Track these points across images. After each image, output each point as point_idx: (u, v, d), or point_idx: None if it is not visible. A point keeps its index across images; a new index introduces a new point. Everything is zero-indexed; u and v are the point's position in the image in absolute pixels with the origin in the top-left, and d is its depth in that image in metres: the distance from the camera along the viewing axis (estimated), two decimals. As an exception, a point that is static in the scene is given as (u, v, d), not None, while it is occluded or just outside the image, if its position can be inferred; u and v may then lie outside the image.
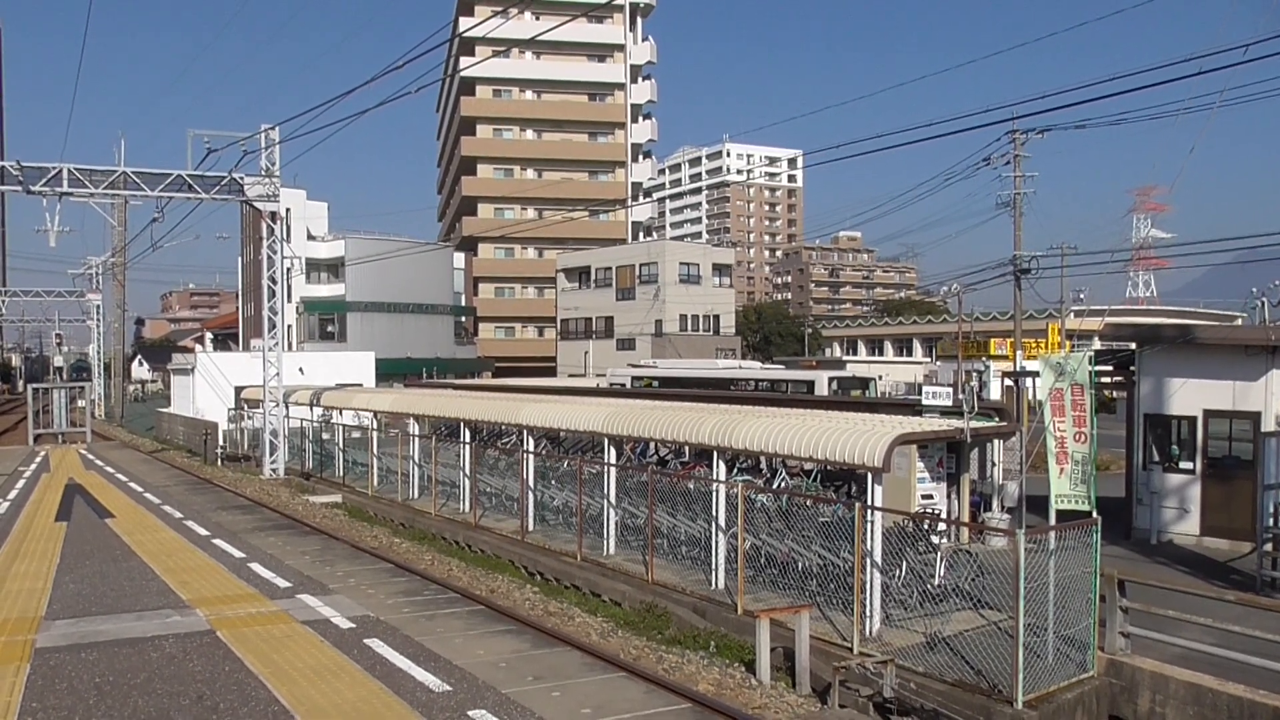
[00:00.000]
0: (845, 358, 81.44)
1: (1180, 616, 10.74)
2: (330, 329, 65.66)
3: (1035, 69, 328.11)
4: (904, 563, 12.46)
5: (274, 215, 31.04)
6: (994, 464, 17.16)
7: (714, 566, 14.34)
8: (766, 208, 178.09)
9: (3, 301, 70.86)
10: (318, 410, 30.98)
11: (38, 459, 36.27)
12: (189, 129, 30.46)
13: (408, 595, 14.38)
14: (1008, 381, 35.05)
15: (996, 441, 16.66)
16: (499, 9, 51.34)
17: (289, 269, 43.93)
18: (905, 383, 62.63)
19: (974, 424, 14.20)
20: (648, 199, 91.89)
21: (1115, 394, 26.92)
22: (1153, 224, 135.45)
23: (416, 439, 24.28)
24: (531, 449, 19.56)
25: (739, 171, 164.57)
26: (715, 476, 14.80)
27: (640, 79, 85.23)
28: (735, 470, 15.75)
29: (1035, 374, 30.85)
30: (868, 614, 11.82)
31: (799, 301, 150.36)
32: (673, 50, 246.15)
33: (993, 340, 53.03)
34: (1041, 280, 33.50)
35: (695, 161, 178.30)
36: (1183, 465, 17.25)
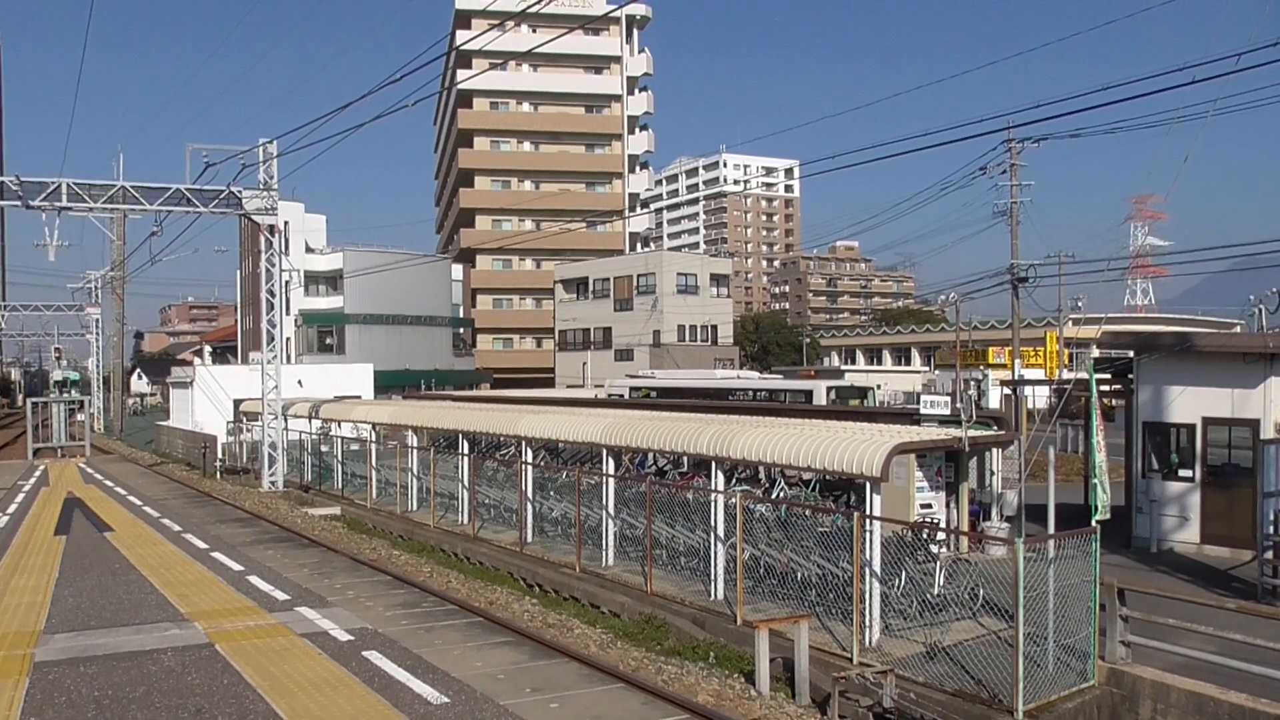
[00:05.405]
0: (843, 367, 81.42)
1: (1181, 625, 10.72)
2: (329, 341, 65.63)
3: (1031, 78, 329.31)
4: (903, 572, 12.44)
5: (272, 228, 31.07)
6: (993, 473, 17.14)
7: (713, 577, 14.32)
8: (763, 218, 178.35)
9: (2, 316, 70.79)
10: (316, 423, 30.98)
11: (37, 473, 36.20)
12: (187, 143, 30.60)
13: (406, 607, 14.35)
14: (1006, 390, 35.11)
15: (995, 450, 16.64)
16: (496, 22, 51.49)
17: (287, 282, 43.93)
18: (904, 392, 62.61)
19: (972, 433, 14.19)
20: (645, 210, 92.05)
21: (1114, 402, 26.95)
22: (1150, 232, 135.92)
23: (415, 451, 24.27)
24: (530, 460, 19.55)
25: (736, 182, 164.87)
26: (714, 487, 14.79)
27: (637, 90, 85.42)
28: (734, 480, 15.74)
29: (1034, 382, 30.87)
30: (867, 624, 11.80)
31: (797, 311, 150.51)
32: (669, 62, 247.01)
33: (991, 349, 53.15)
34: (1039, 289, 33.70)
35: (692, 172, 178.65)
36: (1182, 473, 17.25)
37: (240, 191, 29.76)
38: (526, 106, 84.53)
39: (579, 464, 19.32)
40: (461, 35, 70.44)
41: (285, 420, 31.37)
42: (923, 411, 16.66)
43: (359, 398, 40.38)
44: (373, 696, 10.15)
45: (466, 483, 21.35)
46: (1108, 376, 19.67)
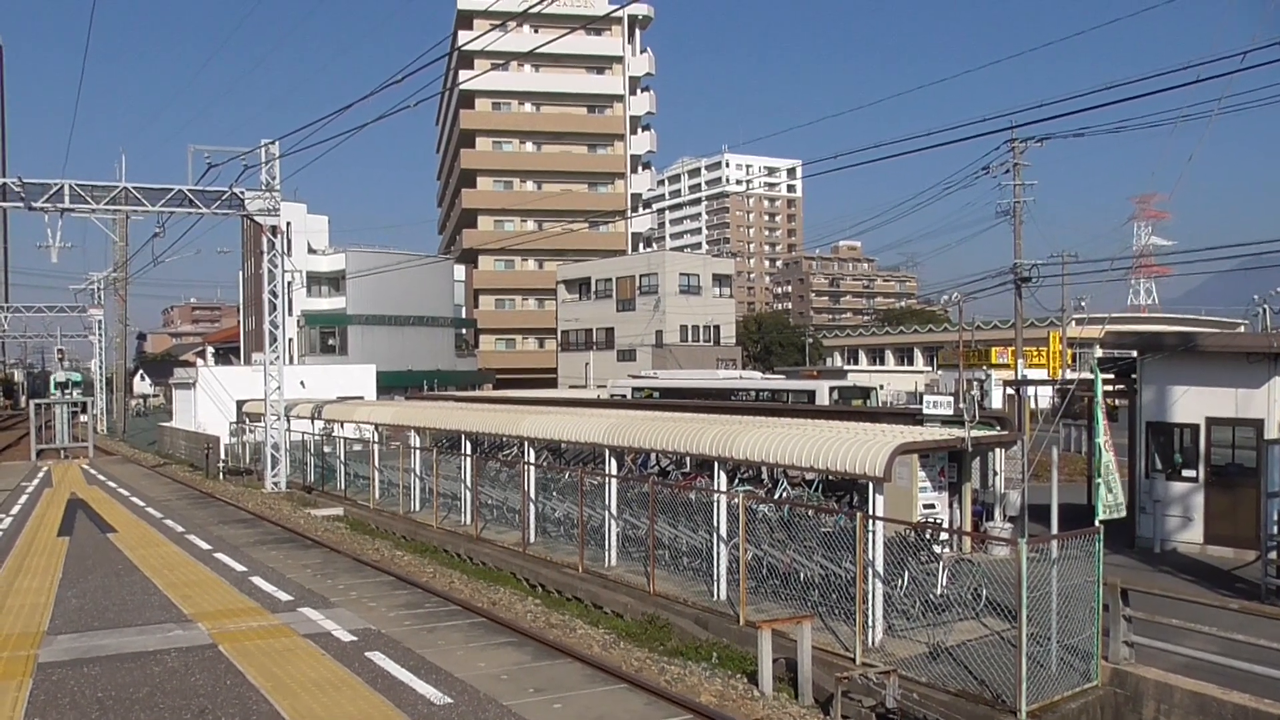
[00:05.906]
0: (846, 367, 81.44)
1: (1184, 625, 10.70)
2: (331, 342, 65.69)
3: (1033, 77, 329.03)
4: (906, 573, 12.43)
5: (275, 229, 31.10)
6: (996, 473, 17.13)
7: (716, 577, 14.30)
8: (766, 217, 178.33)
9: (5, 317, 70.92)
10: (319, 423, 30.99)
11: (40, 474, 36.26)
12: (189, 144, 30.51)
13: (409, 608, 14.36)
14: (1009, 390, 35.08)
15: (998, 450, 16.63)
16: (498, 23, 51.51)
17: (290, 283, 43.98)
18: (906, 392, 62.55)
19: (975, 433, 14.17)
20: (647, 210, 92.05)
21: (1117, 402, 26.95)
22: (1153, 231, 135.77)
23: (418, 451, 24.28)
24: (533, 461, 19.55)
25: (738, 181, 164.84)
26: (716, 487, 14.78)
27: (639, 90, 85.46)
28: (736, 481, 15.73)
29: (1037, 382, 30.79)
30: (870, 624, 11.80)
31: (799, 311, 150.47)
32: (671, 62, 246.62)
33: (994, 349, 53.10)
34: (1042, 288, 33.64)
35: (694, 172, 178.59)
36: (1186, 473, 17.21)
37: (242, 192, 29.79)
38: (528, 107, 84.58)
39: (582, 464, 19.34)
40: (463, 35, 70.48)
41: (288, 421, 31.40)
42: (925, 412, 16.65)
43: (361, 398, 40.40)
44: (376, 697, 10.16)
45: (469, 483, 21.35)
46: (1111, 376, 19.63)
